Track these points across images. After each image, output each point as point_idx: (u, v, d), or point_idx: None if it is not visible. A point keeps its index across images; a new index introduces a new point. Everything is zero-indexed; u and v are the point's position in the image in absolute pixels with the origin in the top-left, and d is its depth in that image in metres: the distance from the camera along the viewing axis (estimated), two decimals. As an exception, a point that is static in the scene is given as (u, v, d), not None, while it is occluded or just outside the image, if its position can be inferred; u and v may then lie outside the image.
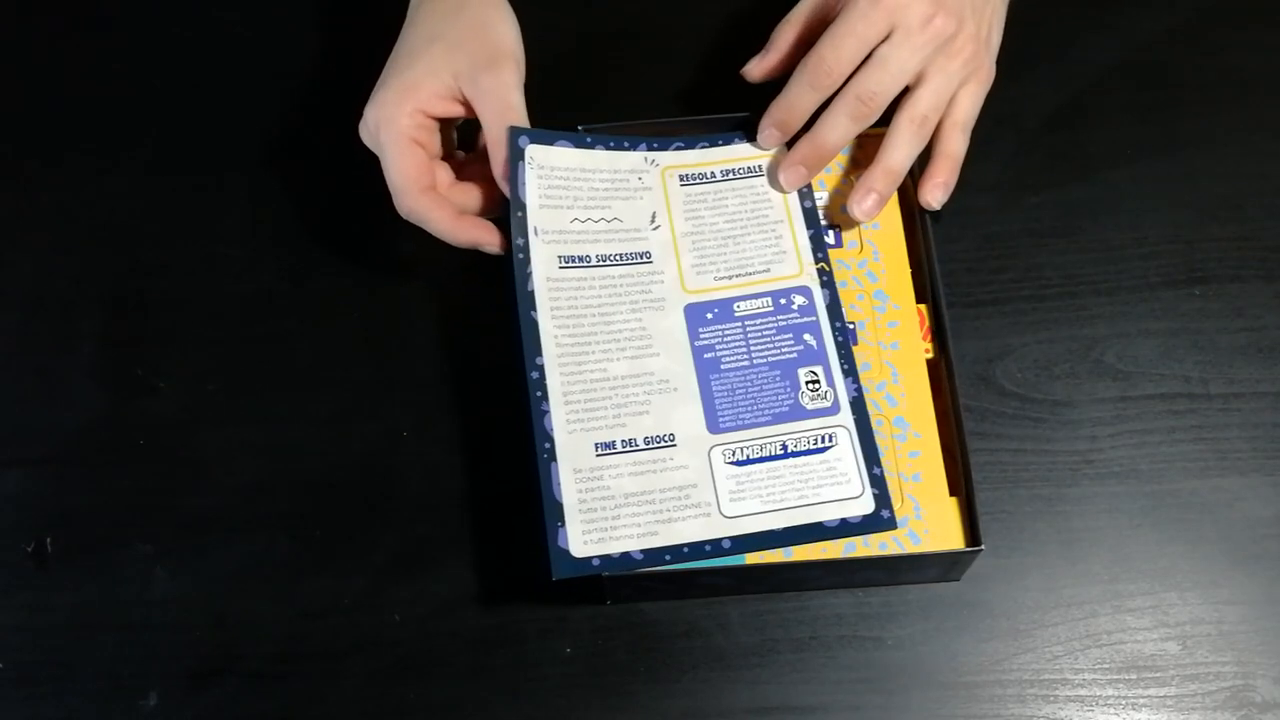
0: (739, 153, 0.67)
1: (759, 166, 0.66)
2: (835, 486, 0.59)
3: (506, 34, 0.63)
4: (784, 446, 0.60)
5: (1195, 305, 0.68)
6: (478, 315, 0.69)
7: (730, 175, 0.66)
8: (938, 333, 0.63)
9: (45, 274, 0.71)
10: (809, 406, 0.60)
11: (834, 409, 0.60)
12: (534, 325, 0.61)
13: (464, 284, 0.70)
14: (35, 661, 0.63)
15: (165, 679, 0.62)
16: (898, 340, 0.63)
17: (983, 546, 0.58)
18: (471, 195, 0.64)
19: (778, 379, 0.61)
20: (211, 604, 0.63)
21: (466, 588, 0.63)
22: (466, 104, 0.62)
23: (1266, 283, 0.69)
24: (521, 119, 0.62)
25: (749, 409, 0.60)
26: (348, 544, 0.64)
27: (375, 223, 0.71)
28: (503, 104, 0.61)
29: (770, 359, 0.62)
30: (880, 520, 0.58)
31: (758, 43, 0.67)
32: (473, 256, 0.70)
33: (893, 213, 0.66)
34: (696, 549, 0.57)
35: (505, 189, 0.62)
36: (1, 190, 0.73)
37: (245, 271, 0.70)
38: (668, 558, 0.57)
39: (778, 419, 0.60)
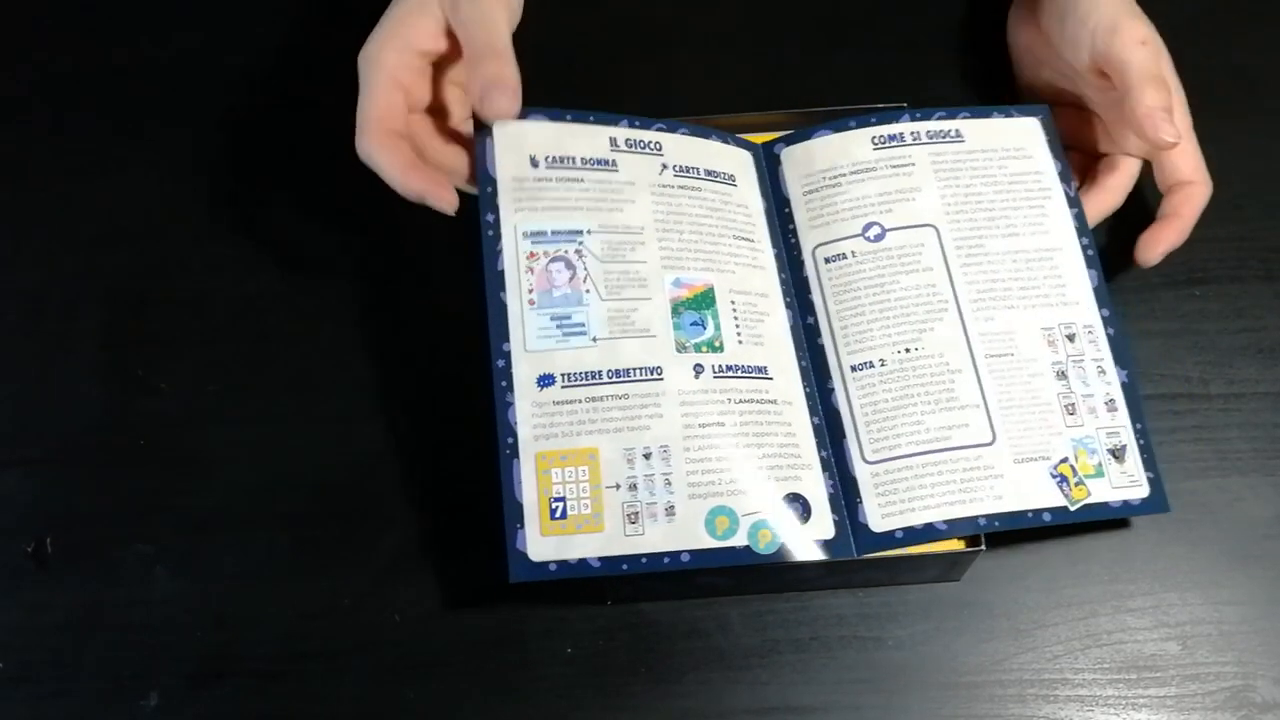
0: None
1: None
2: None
3: None
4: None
5: (1195, 305, 0.68)
6: (478, 316, 0.69)
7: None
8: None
9: (46, 273, 0.71)
10: None
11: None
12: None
13: (465, 285, 0.70)
14: (35, 661, 0.63)
15: (165, 679, 0.62)
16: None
17: (983, 546, 0.58)
18: (457, 159, 0.62)
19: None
20: (211, 604, 0.63)
21: (466, 588, 0.63)
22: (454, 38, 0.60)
23: (1266, 283, 0.69)
24: (498, 53, 0.59)
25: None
26: (348, 544, 0.64)
27: (376, 223, 0.72)
28: (484, 33, 0.58)
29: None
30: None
31: (760, 44, 0.67)
32: (471, 258, 0.70)
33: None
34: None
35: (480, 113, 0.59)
36: (2, 190, 0.73)
37: (245, 271, 0.70)
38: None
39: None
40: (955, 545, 0.59)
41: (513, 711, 0.61)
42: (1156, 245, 0.63)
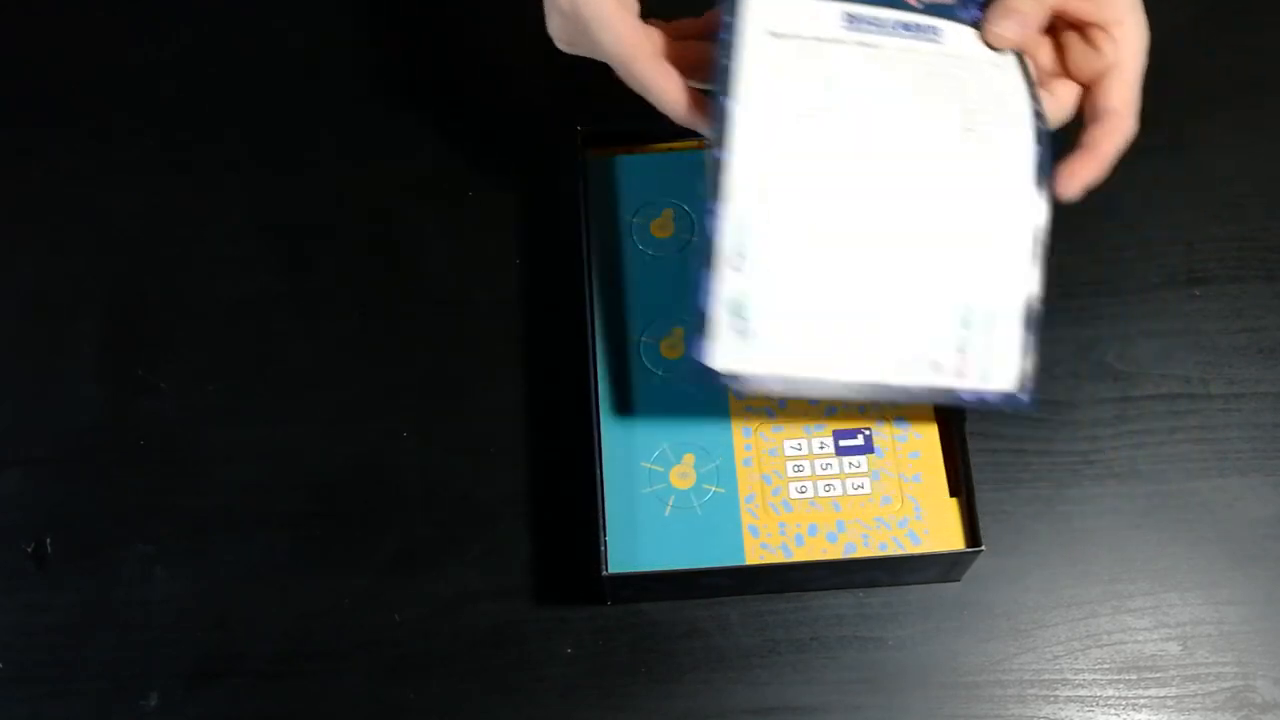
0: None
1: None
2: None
3: None
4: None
5: (1195, 306, 0.69)
6: (478, 315, 0.69)
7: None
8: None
9: (45, 274, 0.71)
10: None
11: None
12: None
13: (464, 284, 0.70)
14: (35, 661, 0.63)
15: (165, 679, 0.62)
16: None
17: (983, 547, 0.58)
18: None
19: None
20: (211, 604, 0.63)
21: (466, 588, 0.63)
22: None
23: (1266, 283, 0.69)
24: None
25: None
26: (348, 544, 0.64)
27: (375, 222, 0.72)
28: None
29: None
30: None
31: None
32: (470, 259, 0.70)
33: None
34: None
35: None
36: (2, 190, 0.73)
37: (245, 271, 0.70)
38: None
39: None
40: (956, 545, 0.59)
41: (513, 711, 0.61)
42: (1074, 179, 0.59)
